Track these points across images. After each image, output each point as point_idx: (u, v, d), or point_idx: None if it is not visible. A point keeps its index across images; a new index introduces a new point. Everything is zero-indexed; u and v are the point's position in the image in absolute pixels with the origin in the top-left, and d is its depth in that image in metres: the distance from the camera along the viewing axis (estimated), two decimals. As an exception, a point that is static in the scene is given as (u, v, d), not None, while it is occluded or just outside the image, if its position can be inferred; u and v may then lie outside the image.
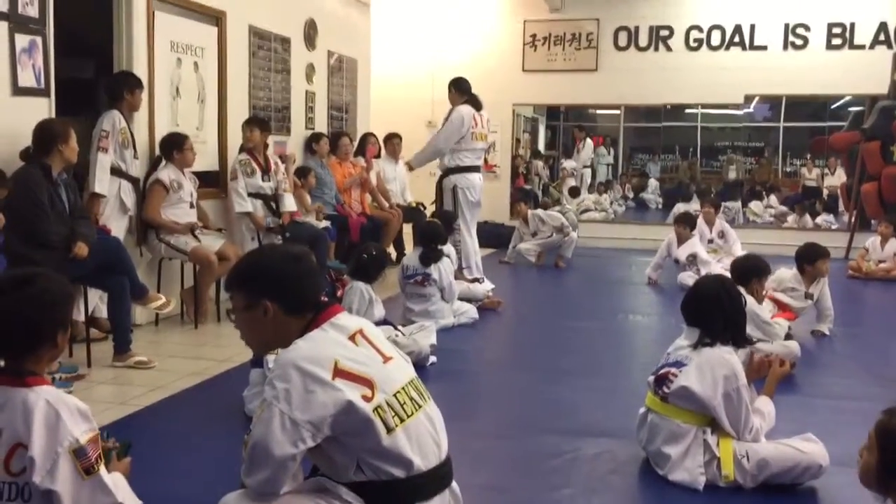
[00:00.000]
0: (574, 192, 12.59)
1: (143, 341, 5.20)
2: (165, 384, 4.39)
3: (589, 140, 13.21)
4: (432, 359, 4.85)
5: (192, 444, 3.57)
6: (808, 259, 5.66)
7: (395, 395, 2.14)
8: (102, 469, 2.02)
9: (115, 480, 2.07)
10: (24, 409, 1.98)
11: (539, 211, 9.48)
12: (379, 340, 2.27)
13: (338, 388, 2.06)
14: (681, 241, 7.96)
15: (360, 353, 2.16)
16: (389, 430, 2.10)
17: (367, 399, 2.08)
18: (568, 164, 13.09)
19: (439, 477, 2.22)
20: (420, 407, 2.22)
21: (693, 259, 7.77)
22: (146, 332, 5.58)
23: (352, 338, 2.19)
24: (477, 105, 7.13)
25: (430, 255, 5.87)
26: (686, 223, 8.06)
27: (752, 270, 4.80)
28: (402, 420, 2.13)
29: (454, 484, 2.32)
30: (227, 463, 3.30)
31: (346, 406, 2.05)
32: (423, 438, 2.18)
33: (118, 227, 5.33)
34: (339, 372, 2.08)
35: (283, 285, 2.20)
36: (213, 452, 3.43)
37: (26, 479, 1.95)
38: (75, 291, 4.43)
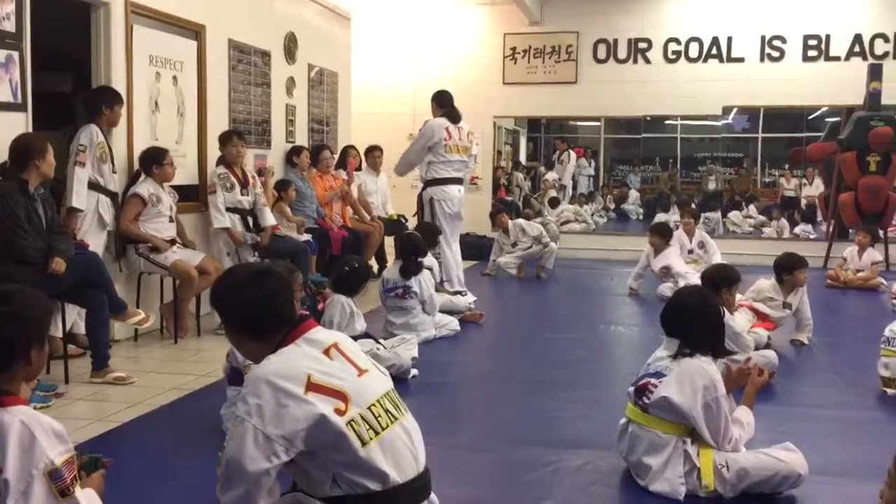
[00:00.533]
0: (554, 202, 12.63)
1: (122, 357, 5.16)
2: (144, 400, 4.35)
3: (572, 152, 13.27)
4: (414, 371, 4.84)
5: (170, 461, 3.54)
6: (786, 268, 5.70)
7: (369, 408, 2.14)
8: (78, 490, 2.00)
9: (89, 497, 2.04)
10: None
11: (520, 220, 9.49)
12: (354, 354, 2.27)
13: (310, 402, 2.06)
14: (657, 251, 7.98)
15: (334, 367, 2.17)
16: (364, 443, 2.10)
17: (340, 412, 2.08)
18: (550, 175, 13.15)
19: (416, 489, 2.22)
20: (396, 419, 2.22)
21: (667, 271, 7.79)
22: (125, 348, 5.53)
23: (326, 352, 2.20)
24: (453, 118, 7.13)
25: (410, 268, 5.86)
26: (660, 234, 8.08)
27: (722, 280, 4.81)
28: (376, 433, 2.14)
29: (433, 496, 2.32)
30: (205, 479, 3.28)
31: (319, 420, 2.06)
32: (398, 451, 2.18)
33: (96, 241, 5.29)
34: (312, 386, 2.09)
35: (240, 314, 2.26)
36: (192, 469, 3.39)
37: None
38: (53, 307, 4.38)
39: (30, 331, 2.06)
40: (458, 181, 7.28)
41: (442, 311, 6.20)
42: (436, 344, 5.78)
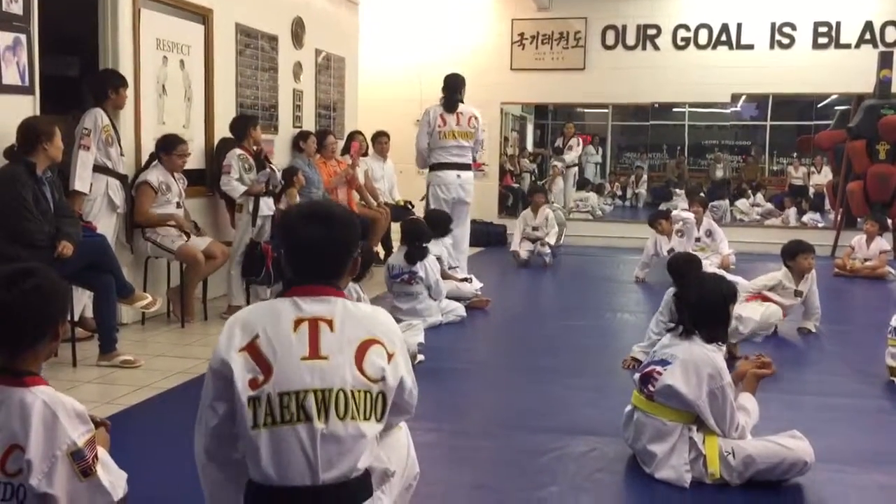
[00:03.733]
0: (583, 184, 12.65)
1: (129, 340, 5.18)
2: (152, 383, 4.37)
3: (579, 138, 13.14)
4: (420, 357, 4.85)
5: (178, 444, 3.54)
6: (790, 254, 5.70)
7: (280, 395, 2.02)
8: (100, 469, 2.02)
9: (109, 471, 2.06)
10: (22, 410, 1.97)
11: (548, 210, 9.46)
12: (330, 336, 2.09)
13: (233, 360, 2.04)
14: (669, 237, 8.07)
15: (285, 341, 2.06)
16: (255, 425, 2.02)
17: (253, 384, 2.02)
18: (558, 161, 13.06)
19: (301, 500, 2.04)
20: (308, 420, 2.01)
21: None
22: (132, 332, 5.55)
23: (298, 321, 2.09)
24: (447, 104, 7.07)
25: (415, 254, 5.86)
26: (667, 218, 8.20)
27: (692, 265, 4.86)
28: (273, 422, 2.01)
29: None
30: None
31: (228, 380, 2.04)
32: (287, 452, 2.01)
33: (106, 224, 5.28)
34: (250, 347, 2.05)
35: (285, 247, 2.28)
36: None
37: (22, 480, 1.94)
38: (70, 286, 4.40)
39: (55, 307, 2.07)
40: (456, 166, 7.20)
41: (449, 298, 6.20)
42: (442, 330, 5.79)
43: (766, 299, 5.61)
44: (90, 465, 1.99)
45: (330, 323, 2.10)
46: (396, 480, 2.23)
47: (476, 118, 7.20)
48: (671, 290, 4.54)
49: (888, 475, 3.28)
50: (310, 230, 2.16)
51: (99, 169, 5.21)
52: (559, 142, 13.00)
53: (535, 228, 9.20)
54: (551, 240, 9.13)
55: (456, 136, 7.10)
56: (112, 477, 2.05)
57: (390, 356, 2.13)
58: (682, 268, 4.76)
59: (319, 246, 2.16)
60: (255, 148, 6.33)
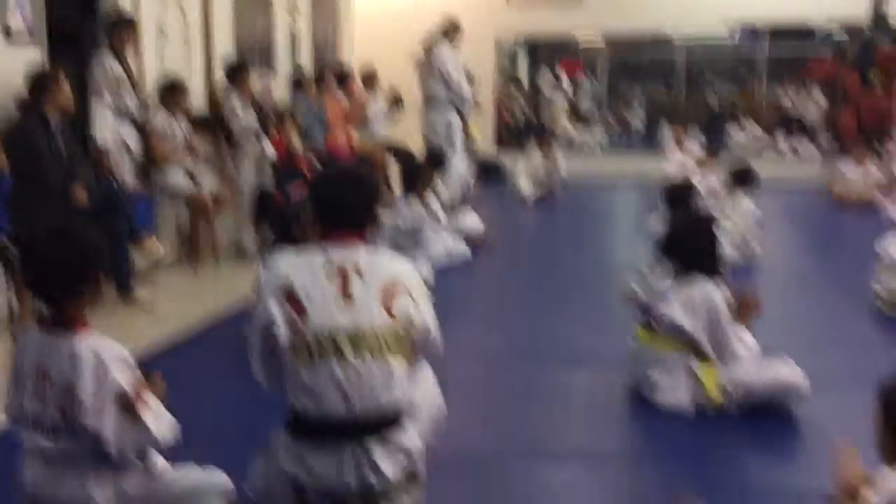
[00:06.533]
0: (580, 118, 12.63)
1: (143, 285, 5.29)
2: (170, 325, 4.51)
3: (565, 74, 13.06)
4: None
5: (204, 386, 3.71)
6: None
7: (315, 334, 2.22)
8: (147, 414, 2.17)
9: (155, 413, 2.20)
10: (72, 356, 2.12)
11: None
12: (361, 280, 2.27)
13: (270, 305, 2.24)
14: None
15: (320, 285, 2.26)
16: (294, 362, 2.24)
17: (292, 325, 2.23)
18: (558, 97, 12.97)
19: (337, 431, 2.24)
20: (341, 355, 2.21)
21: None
22: (144, 277, 5.65)
23: (328, 267, 2.28)
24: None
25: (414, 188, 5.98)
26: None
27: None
28: (310, 357, 2.22)
29: (373, 446, 2.26)
30: (240, 402, 3.46)
31: (269, 321, 2.24)
32: (324, 385, 2.22)
33: (122, 169, 5.34)
34: (287, 292, 2.25)
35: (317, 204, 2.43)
36: (227, 393, 3.58)
37: (75, 419, 2.10)
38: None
39: (93, 258, 2.20)
40: None
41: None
42: (448, 272, 5.91)
43: None
44: (136, 408, 2.14)
45: (357, 268, 2.29)
46: (424, 416, 2.42)
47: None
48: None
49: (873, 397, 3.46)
50: (343, 188, 2.39)
51: (113, 113, 5.24)
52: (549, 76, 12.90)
53: (547, 173, 9.27)
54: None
55: None
56: (160, 423, 2.20)
57: (414, 300, 2.33)
58: (677, 196, 4.90)
59: (350, 201, 2.38)
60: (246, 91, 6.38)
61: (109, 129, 5.20)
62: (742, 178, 6.21)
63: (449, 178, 7.21)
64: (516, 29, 11.65)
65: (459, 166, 7.47)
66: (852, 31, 10.42)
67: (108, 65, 5.21)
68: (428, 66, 7.38)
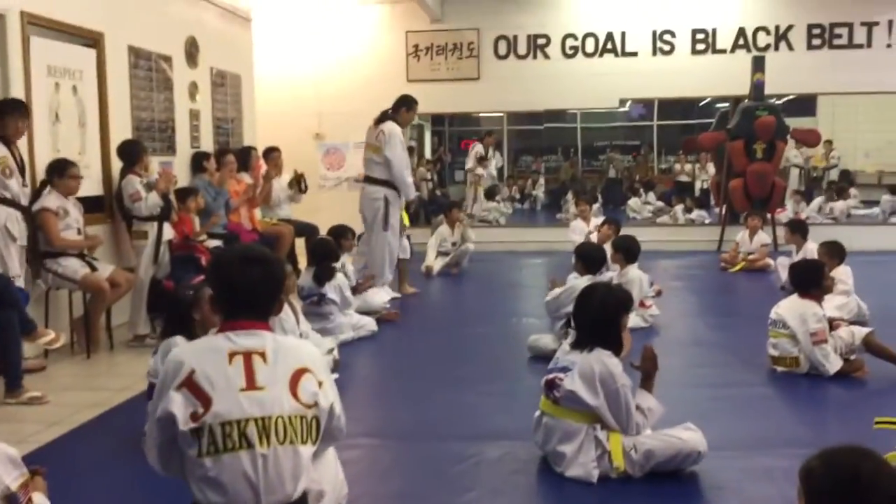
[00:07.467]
0: (491, 192, 12.92)
1: (34, 376, 5.06)
2: (63, 419, 4.31)
3: (480, 145, 13.25)
4: (335, 375, 4.93)
5: (97, 478, 3.55)
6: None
7: (222, 424, 2.15)
8: None
9: None
10: None
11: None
12: (263, 367, 2.23)
13: (170, 398, 2.17)
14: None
15: (222, 374, 2.20)
16: (199, 454, 2.16)
17: (194, 417, 2.16)
18: (479, 170, 13.14)
19: None
20: (249, 446, 2.16)
21: None
22: (35, 367, 5.40)
23: (232, 355, 2.23)
24: (377, 119, 7.44)
25: (323, 274, 5.92)
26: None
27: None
28: (216, 451, 2.15)
29: None
30: (134, 494, 3.33)
31: (168, 416, 2.17)
32: (231, 478, 2.16)
33: (7, 258, 5.09)
34: (188, 382, 2.18)
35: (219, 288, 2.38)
36: (119, 484, 3.43)
37: None
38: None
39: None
40: (367, 179, 7.49)
41: (360, 313, 6.30)
42: (354, 345, 5.88)
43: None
44: None
45: (263, 355, 2.25)
46: (328, 500, 2.36)
47: (384, 133, 7.34)
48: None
49: (773, 458, 3.58)
50: (247, 271, 2.30)
51: None
52: (478, 149, 13.05)
53: (453, 244, 9.34)
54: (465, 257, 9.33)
55: (370, 150, 7.42)
56: None
57: (320, 383, 2.32)
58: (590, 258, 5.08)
59: (255, 286, 2.31)
60: (143, 173, 6.28)
61: None
62: (628, 252, 6.37)
63: (372, 255, 7.29)
64: (419, 106, 11.87)
65: (392, 243, 7.47)
66: (735, 101, 11.06)
67: (-6, 151, 5.03)
68: (374, 141, 7.40)
